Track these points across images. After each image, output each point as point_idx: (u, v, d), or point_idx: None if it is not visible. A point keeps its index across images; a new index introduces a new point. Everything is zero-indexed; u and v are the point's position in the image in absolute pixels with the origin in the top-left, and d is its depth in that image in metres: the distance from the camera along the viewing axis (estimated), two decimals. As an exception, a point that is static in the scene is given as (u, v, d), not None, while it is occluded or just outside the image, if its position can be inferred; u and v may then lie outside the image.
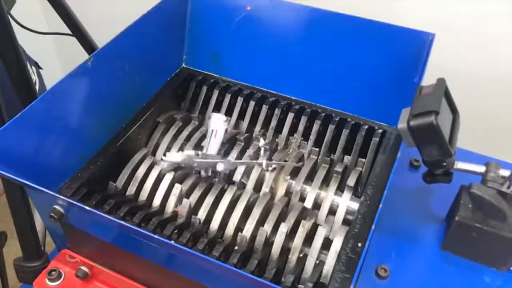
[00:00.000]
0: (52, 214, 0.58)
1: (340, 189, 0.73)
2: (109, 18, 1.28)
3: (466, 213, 0.70)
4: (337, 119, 0.79)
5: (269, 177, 0.73)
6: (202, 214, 0.68)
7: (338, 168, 0.74)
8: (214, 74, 0.89)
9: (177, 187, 0.70)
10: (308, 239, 0.65)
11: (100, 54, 0.72)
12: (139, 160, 0.73)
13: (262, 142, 0.78)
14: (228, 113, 0.85)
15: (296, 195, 0.72)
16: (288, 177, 0.74)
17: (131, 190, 0.71)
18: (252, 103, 0.83)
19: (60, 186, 0.68)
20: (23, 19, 1.07)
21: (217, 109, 0.85)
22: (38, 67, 1.16)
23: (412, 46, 0.73)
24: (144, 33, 0.79)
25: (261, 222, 0.67)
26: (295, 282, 0.60)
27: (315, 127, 0.79)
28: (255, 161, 0.74)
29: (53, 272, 0.68)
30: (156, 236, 0.52)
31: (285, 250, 0.65)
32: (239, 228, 0.67)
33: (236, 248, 0.65)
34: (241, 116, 0.84)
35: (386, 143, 0.75)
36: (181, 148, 0.78)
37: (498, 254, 0.70)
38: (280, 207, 0.68)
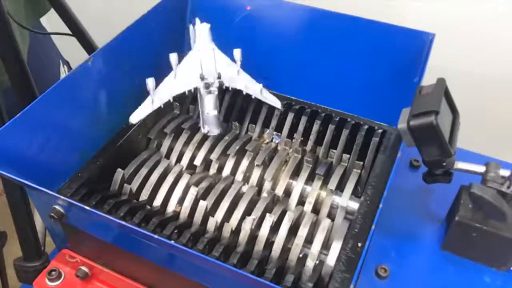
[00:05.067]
0: (52, 214, 0.58)
1: (340, 189, 0.73)
2: (109, 18, 1.28)
3: (466, 213, 0.70)
4: (337, 119, 0.79)
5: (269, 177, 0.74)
6: (200, 214, 0.68)
7: (338, 169, 0.74)
8: (214, 74, 0.89)
9: (180, 186, 0.70)
10: (308, 239, 0.65)
11: (100, 54, 0.72)
12: (144, 159, 0.74)
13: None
14: (228, 113, 0.85)
15: (296, 195, 0.72)
16: (288, 177, 0.74)
17: (134, 187, 0.71)
18: (252, 103, 0.83)
19: (60, 186, 0.68)
20: (23, 19, 1.07)
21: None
22: (69, 67, 1.17)
23: (412, 46, 0.73)
24: (144, 33, 0.79)
25: (261, 222, 0.67)
26: (295, 282, 0.60)
27: (315, 127, 0.79)
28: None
29: (53, 272, 0.68)
30: (156, 236, 0.52)
31: (285, 250, 0.65)
32: (238, 228, 0.67)
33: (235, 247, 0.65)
34: (241, 116, 0.84)
35: (386, 143, 0.75)
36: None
37: (498, 254, 0.70)
38: (280, 208, 0.68)
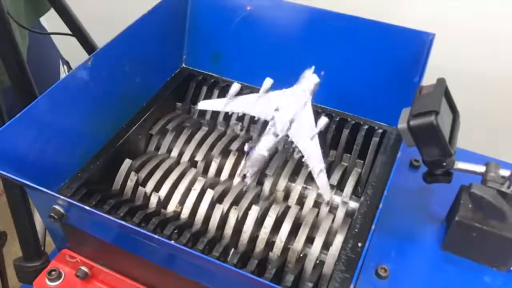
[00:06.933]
0: (52, 214, 0.58)
1: (340, 189, 0.73)
2: (109, 18, 1.28)
3: (466, 213, 0.70)
4: (337, 119, 0.79)
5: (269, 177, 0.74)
6: (201, 213, 0.68)
7: (338, 169, 0.74)
8: (214, 74, 0.89)
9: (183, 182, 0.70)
10: (308, 239, 0.65)
11: (100, 54, 0.72)
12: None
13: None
14: (228, 113, 0.84)
15: (296, 195, 0.72)
16: (288, 177, 0.74)
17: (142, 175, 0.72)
18: (252, 103, 0.83)
19: (60, 186, 0.68)
20: (23, 19, 1.07)
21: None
22: (69, 67, 1.18)
23: (412, 46, 0.73)
24: (144, 33, 0.79)
25: (261, 222, 0.67)
26: (295, 282, 0.60)
27: (315, 127, 0.79)
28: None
29: (53, 272, 0.68)
30: (156, 236, 0.52)
31: (285, 250, 0.65)
32: (239, 229, 0.67)
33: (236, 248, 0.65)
34: (241, 116, 0.84)
35: (386, 143, 0.75)
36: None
37: (498, 254, 0.70)
38: (280, 208, 0.68)
